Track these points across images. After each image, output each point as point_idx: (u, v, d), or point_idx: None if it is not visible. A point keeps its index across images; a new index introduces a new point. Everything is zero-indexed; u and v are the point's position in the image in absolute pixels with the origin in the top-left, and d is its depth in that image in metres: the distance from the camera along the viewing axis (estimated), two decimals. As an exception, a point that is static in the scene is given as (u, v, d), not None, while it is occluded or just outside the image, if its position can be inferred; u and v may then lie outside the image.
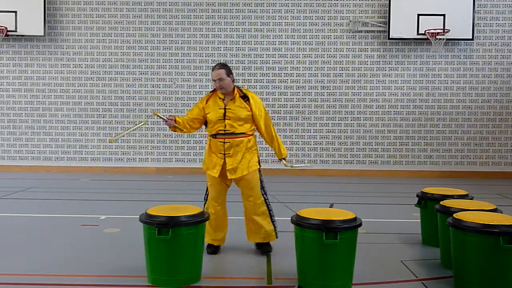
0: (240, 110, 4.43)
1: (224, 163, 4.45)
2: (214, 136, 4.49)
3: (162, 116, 4.46)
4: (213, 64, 10.03)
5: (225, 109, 4.43)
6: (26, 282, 3.79)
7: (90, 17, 10.29)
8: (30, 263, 4.22)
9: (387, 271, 4.11)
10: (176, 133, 5.77)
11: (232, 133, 4.42)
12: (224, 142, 4.43)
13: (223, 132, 4.43)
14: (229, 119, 4.41)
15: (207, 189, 4.61)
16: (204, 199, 4.62)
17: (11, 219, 5.95)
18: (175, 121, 4.47)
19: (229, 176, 4.47)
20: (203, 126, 4.68)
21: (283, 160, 4.66)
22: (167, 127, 4.64)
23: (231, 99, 4.47)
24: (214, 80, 4.46)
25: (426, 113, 10.28)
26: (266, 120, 4.56)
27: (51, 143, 10.43)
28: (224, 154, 4.43)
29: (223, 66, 4.51)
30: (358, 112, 10.29)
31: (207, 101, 4.55)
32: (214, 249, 4.59)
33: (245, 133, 4.48)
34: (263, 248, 4.57)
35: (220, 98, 4.50)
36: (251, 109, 4.47)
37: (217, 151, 4.48)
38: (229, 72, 4.48)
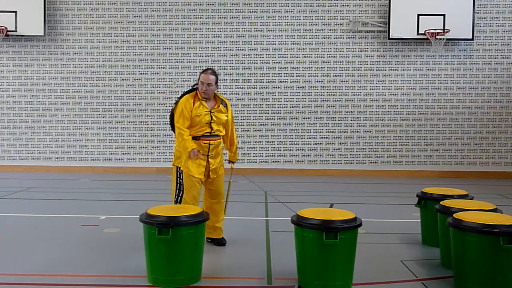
0: (221, 115, 4.64)
1: (208, 163, 4.60)
2: (197, 138, 4.56)
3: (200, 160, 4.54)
4: (213, 64, 10.18)
5: (210, 112, 4.56)
6: (26, 282, 3.79)
7: (90, 17, 10.29)
8: (30, 263, 4.22)
9: (387, 271, 4.11)
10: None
11: (216, 135, 4.64)
12: (209, 144, 4.59)
13: (209, 134, 4.58)
14: (214, 123, 4.58)
15: (180, 192, 4.59)
16: (177, 201, 4.60)
17: (11, 219, 5.95)
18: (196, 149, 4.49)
19: (212, 176, 4.65)
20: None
21: (232, 163, 4.95)
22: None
23: (215, 104, 4.63)
24: (202, 83, 4.53)
25: (426, 113, 10.28)
26: (233, 125, 4.90)
27: (51, 143, 10.43)
28: (208, 155, 4.59)
29: (215, 74, 4.63)
30: (358, 112, 10.28)
31: (193, 103, 4.55)
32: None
33: (221, 136, 4.72)
34: (220, 242, 4.78)
35: (202, 100, 4.58)
36: (227, 115, 4.71)
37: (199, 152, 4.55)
38: (217, 81, 4.63)
